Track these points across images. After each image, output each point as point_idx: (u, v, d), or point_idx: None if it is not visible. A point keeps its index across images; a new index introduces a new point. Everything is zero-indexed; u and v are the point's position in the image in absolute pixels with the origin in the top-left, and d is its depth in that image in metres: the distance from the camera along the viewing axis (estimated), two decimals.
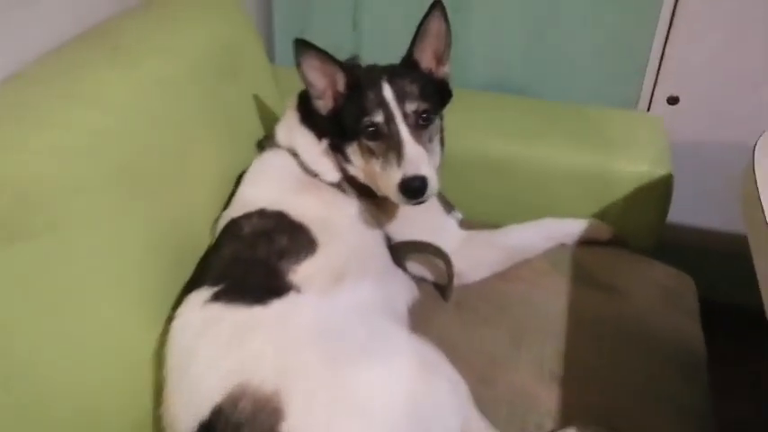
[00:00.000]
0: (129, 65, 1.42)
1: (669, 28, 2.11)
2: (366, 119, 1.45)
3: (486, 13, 2.18)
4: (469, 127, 1.87)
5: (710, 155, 2.21)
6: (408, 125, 1.44)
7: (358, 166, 1.51)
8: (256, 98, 1.78)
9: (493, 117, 1.97)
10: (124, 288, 1.24)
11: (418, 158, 1.39)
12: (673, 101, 2.21)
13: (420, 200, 1.39)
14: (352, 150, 1.50)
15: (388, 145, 1.42)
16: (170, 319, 1.30)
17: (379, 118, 1.44)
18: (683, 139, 2.11)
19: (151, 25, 1.59)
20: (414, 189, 1.37)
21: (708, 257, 2.20)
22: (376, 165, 1.45)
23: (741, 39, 2.07)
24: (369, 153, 1.47)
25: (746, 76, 2.12)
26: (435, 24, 1.49)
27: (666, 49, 2.14)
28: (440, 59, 1.54)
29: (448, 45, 1.53)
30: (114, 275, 1.21)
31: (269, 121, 1.72)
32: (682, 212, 2.09)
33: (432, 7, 1.46)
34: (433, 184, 1.39)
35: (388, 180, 1.41)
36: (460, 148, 1.77)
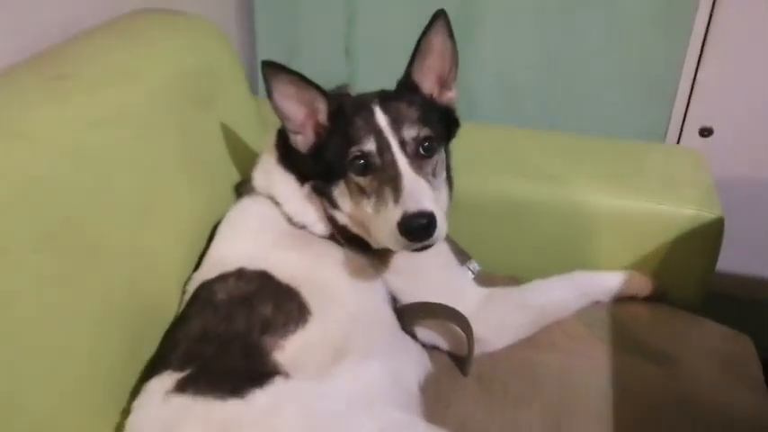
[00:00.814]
0: (79, 95, 1.21)
1: (701, 50, 1.91)
2: (354, 148, 1.20)
3: (497, 36, 2.01)
4: (484, 165, 1.69)
5: (749, 194, 2.01)
6: (407, 155, 1.19)
7: (347, 211, 1.26)
8: (236, 132, 1.55)
9: (511, 153, 1.76)
10: (69, 371, 1.04)
11: (420, 192, 1.14)
12: (706, 132, 2.01)
13: (426, 243, 1.12)
14: (339, 192, 1.25)
15: (382, 179, 1.17)
16: (126, 411, 1.09)
17: (369, 146, 1.20)
18: (717, 176, 1.88)
19: (109, 48, 1.38)
20: (418, 228, 1.10)
21: (754, 309, 2.00)
22: (367, 206, 1.20)
23: None
24: (359, 193, 1.22)
25: None
26: (438, 41, 1.25)
27: (698, 75, 1.94)
28: (444, 83, 1.31)
29: (454, 65, 1.29)
30: (53, 356, 1.01)
31: (251, 160, 1.48)
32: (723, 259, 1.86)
33: (433, 20, 1.23)
34: (441, 224, 1.12)
35: (383, 223, 1.15)
36: (474, 188, 1.59)
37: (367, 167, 1.20)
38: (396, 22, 2.01)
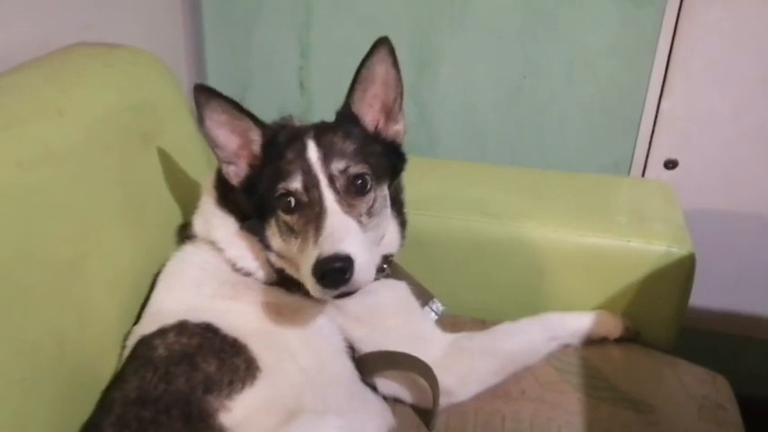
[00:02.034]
0: (7, 134, 1.13)
1: (664, 81, 1.88)
2: (281, 185, 1.13)
3: (457, 71, 2.00)
4: (447, 202, 1.63)
5: (716, 227, 1.98)
6: (336, 192, 1.11)
7: (278, 251, 1.17)
8: (180, 169, 1.48)
9: (475, 190, 1.70)
10: None
11: (341, 231, 1.06)
12: (671, 165, 1.98)
13: (342, 290, 1.03)
14: (271, 232, 1.17)
15: (308, 217, 1.10)
16: None
17: (296, 184, 1.12)
18: (684, 209, 1.85)
19: (39, 83, 1.29)
20: (331, 273, 1.00)
21: (723, 342, 2.01)
22: (294, 246, 1.12)
23: (750, 90, 1.85)
24: (288, 231, 1.14)
25: (757, 135, 1.89)
26: (382, 69, 1.19)
27: (662, 105, 1.91)
28: (389, 114, 1.24)
29: (399, 95, 1.23)
30: None
31: (196, 197, 1.38)
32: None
33: (375, 47, 1.16)
34: (363, 268, 1.03)
35: (305, 266, 1.06)
36: (438, 226, 1.58)
37: (295, 205, 1.13)
38: (351, 53, 1.95)
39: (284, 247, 1.15)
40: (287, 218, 1.13)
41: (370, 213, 1.15)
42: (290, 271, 1.19)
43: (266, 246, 1.18)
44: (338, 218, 1.08)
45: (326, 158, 1.14)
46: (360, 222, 1.11)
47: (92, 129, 1.28)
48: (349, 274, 1.01)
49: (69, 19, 1.60)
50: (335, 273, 1.00)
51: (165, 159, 1.44)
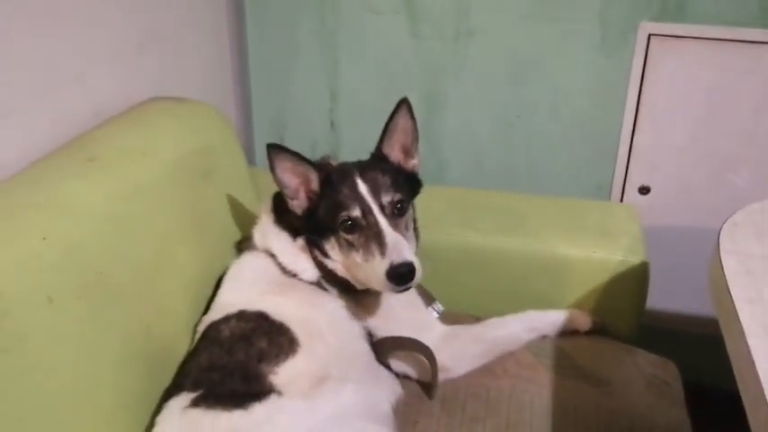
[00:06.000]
0: (106, 174, 1.43)
1: (635, 117, 2.15)
2: (343, 213, 1.46)
3: (461, 112, 2.28)
4: (450, 221, 1.93)
5: (685, 242, 2.21)
6: (385, 215, 1.45)
7: (337, 260, 1.51)
8: (234, 199, 1.78)
9: (473, 211, 1.99)
10: (99, 399, 1.22)
11: (401, 246, 1.40)
12: (644, 191, 2.24)
13: (408, 286, 1.39)
14: (331, 246, 1.50)
15: (368, 236, 1.43)
16: (151, 426, 1.30)
17: (356, 212, 1.45)
18: (657, 227, 2.13)
19: (127, 133, 1.61)
20: (403, 275, 1.36)
21: (689, 341, 2.20)
22: (356, 257, 1.45)
23: (701, 125, 2.12)
24: (348, 246, 1.47)
25: (714, 163, 2.15)
26: (402, 120, 1.54)
27: (635, 140, 2.18)
28: (407, 152, 1.59)
29: (415, 139, 1.58)
30: (87, 387, 1.20)
31: (247, 221, 1.71)
32: (663, 298, 2.08)
33: (398, 105, 1.52)
34: (419, 270, 1.38)
35: (371, 271, 1.41)
36: (441, 242, 1.83)
37: (354, 227, 1.46)
38: (373, 97, 2.30)
39: (343, 258, 1.49)
40: (348, 237, 1.46)
41: (406, 228, 1.50)
42: (341, 273, 1.52)
43: (324, 255, 1.52)
44: (393, 235, 1.41)
45: (374, 191, 1.47)
46: (404, 236, 1.45)
47: (167, 168, 1.56)
48: (413, 275, 1.36)
49: (142, 77, 1.88)
50: (406, 275, 1.36)
51: (222, 191, 1.74)
